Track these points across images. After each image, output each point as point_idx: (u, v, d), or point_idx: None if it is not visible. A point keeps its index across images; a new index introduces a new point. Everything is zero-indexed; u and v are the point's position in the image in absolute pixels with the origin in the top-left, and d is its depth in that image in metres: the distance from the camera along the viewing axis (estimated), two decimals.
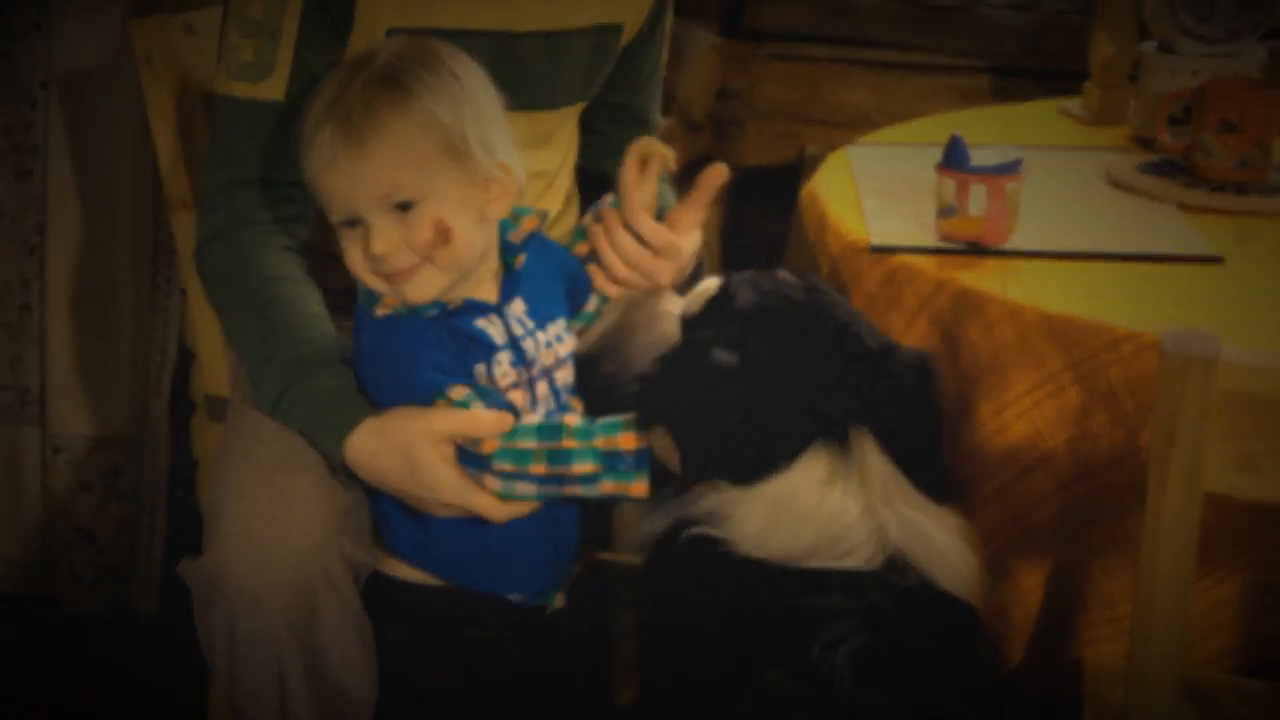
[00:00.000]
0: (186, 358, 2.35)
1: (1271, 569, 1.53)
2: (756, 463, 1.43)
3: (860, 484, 1.42)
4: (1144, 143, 2.11)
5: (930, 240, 1.74)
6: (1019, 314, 1.58)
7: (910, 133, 2.20)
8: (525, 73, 1.71)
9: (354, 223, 1.48)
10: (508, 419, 1.48)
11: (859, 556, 1.39)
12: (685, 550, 1.43)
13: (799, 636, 1.33)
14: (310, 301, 1.61)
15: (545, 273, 1.62)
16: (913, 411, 1.46)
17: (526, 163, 1.81)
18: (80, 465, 2.36)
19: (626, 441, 1.46)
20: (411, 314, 1.52)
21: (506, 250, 1.58)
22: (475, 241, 1.51)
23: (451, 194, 1.49)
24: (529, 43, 1.71)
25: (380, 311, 1.53)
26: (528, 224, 1.59)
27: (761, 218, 2.91)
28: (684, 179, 2.04)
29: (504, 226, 1.58)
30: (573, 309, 1.67)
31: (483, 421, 1.47)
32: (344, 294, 1.60)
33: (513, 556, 1.58)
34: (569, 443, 1.47)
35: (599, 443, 1.47)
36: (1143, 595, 1.08)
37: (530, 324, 1.57)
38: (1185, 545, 1.07)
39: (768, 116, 3.09)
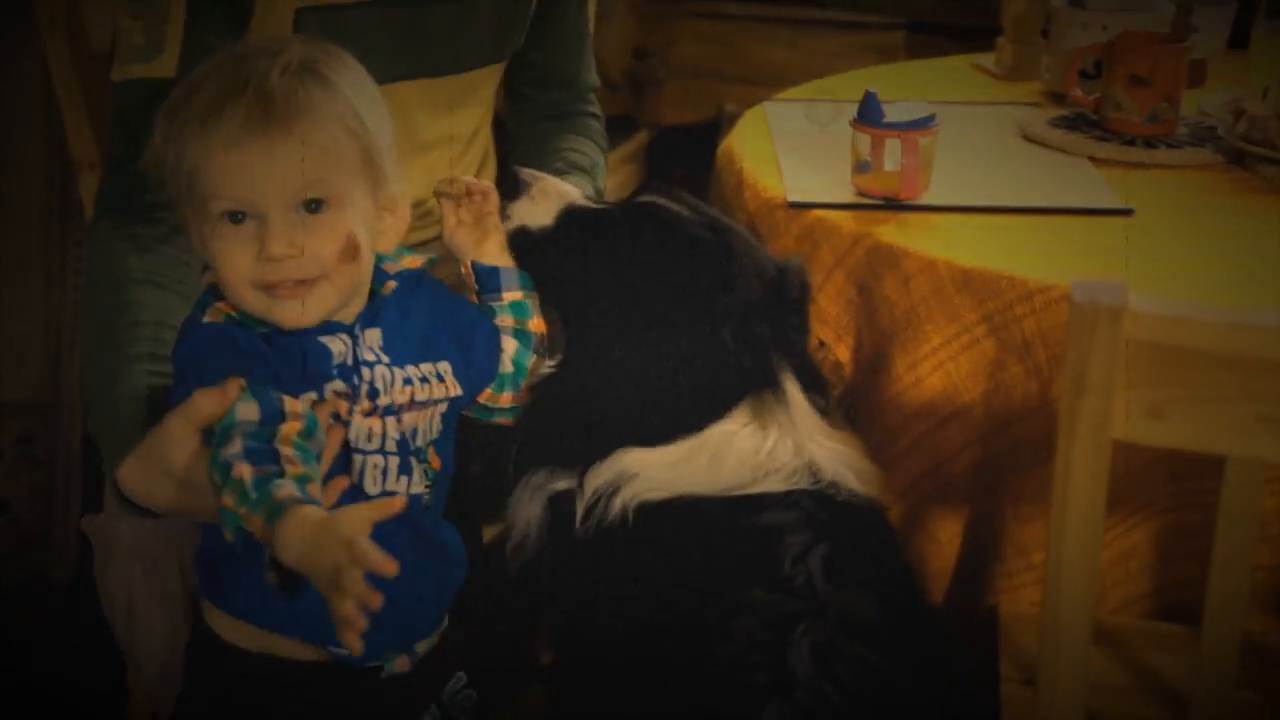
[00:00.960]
0: None
1: (1181, 515, 1.56)
2: (685, 421, 1.44)
3: (790, 425, 1.45)
4: (1056, 97, 2.12)
5: (846, 196, 1.75)
6: (933, 268, 1.59)
7: (826, 89, 2.20)
8: (430, 38, 1.70)
9: (242, 216, 1.30)
10: (231, 388, 1.28)
11: (783, 477, 1.41)
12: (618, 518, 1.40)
13: (764, 557, 1.34)
14: (164, 309, 1.52)
15: (421, 310, 1.43)
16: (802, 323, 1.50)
17: (438, 127, 1.80)
18: None
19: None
20: (240, 324, 1.33)
21: (376, 278, 1.41)
22: (370, 268, 1.38)
23: (362, 208, 1.34)
24: (433, 8, 1.70)
25: (208, 318, 1.34)
26: (407, 262, 1.44)
27: (680, 176, 2.91)
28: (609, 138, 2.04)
29: (380, 257, 1.42)
30: (475, 364, 1.48)
31: (201, 403, 1.29)
32: None
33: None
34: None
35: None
36: (1054, 543, 1.09)
37: (384, 356, 1.38)
38: (1095, 493, 1.08)
39: (685, 74, 3.09)
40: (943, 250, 1.61)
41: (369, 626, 1.15)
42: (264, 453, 1.23)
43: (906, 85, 2.14)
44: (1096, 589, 1.13)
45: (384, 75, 1.67)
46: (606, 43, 2.94)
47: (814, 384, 1.49)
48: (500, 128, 1.96)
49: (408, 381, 1.38)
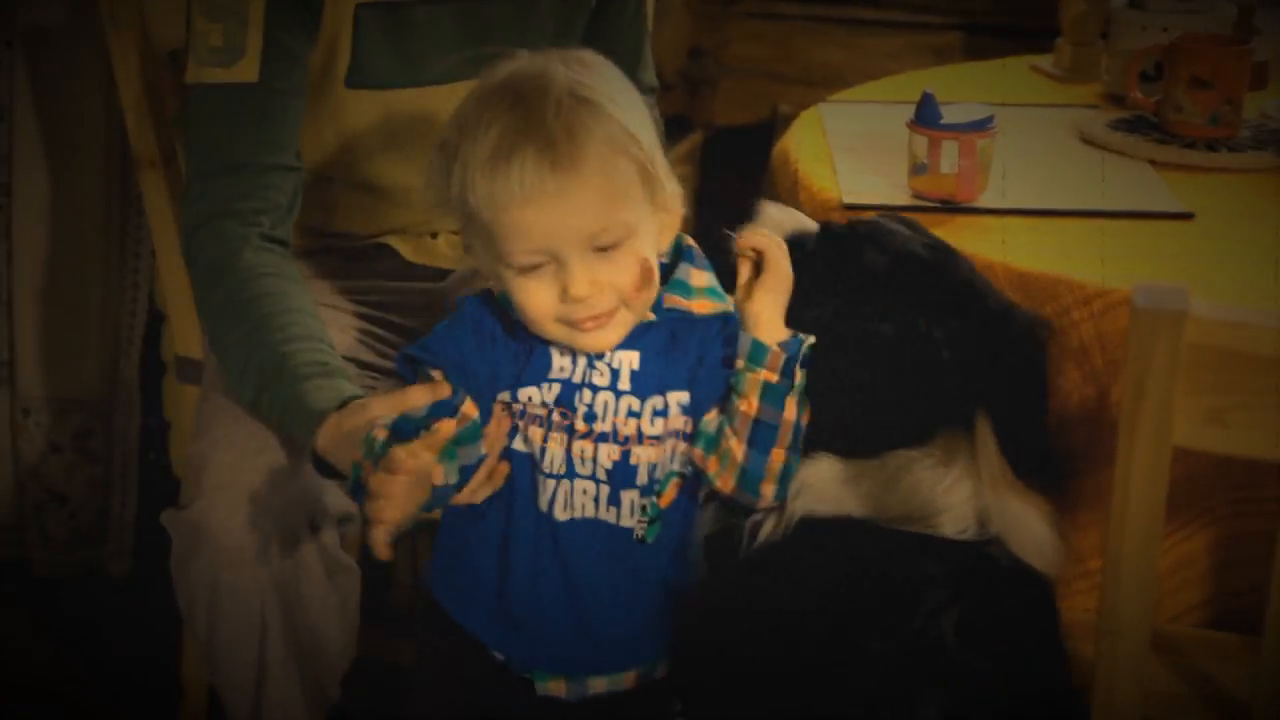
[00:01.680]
0: (157, 318, 2.34)
1: (1240, 522, 1.54)
2: (880, 438, 1.38)
3: (973, 468, 1.37)
4: (1115, 100, 2.11)
5: (902, 198, 1.74)
6: (990, 271, 1.58)
7: (882, 90, 2.19)
8: (493, 35, 1.70)
9: (538, 265, 1.31)
10: (443, 388, 1.37)
11: (952, 527, 1.35)
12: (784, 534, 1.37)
13: (898, 606, 1.30)
14: (291, 296, 1.57)
15: (689, 347, 1.39)
16: (1025, 383, 1.41)
17: None
18: (50, 428, 2.34)
19: None
20: (489, 306, 1.40)
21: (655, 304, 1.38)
22: (657, 280, 1.37)
23: (647, 227, 1.34)
24: (495, 6, 1.70)
25: (496, 291, 1.39)
26: (699, 306, 1.39)
27: (734, 177, 2.91)
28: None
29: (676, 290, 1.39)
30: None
31: (414, 395, 1.37)
32: None
33: (480, 591, 1.43)
34: None
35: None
36: (1112, 549, 1.09)
37: (624, 382, 1.37)
38: (1154, 499, 1.07)
39: (740, 75, 3.08)
40: (1000, 253, 1.60)
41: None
42: (410, 431, 1.31)
43: (964, 87, 2.12)
44: (1154, 596, 1.12)
45: (446, 75, 1.68)
46: (661, 42, 2.93)
47: (1031, 449, 1.40)
48: None
49: (634, 414, 1.37)
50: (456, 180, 1.31)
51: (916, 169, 1.74)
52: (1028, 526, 1.37)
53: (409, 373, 1.41)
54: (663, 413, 1.38)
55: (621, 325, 1.34)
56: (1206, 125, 1.91)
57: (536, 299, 1.32)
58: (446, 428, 1.32)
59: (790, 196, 1.85)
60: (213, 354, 1.63)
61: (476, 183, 1.29)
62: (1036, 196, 1.77)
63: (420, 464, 1.28)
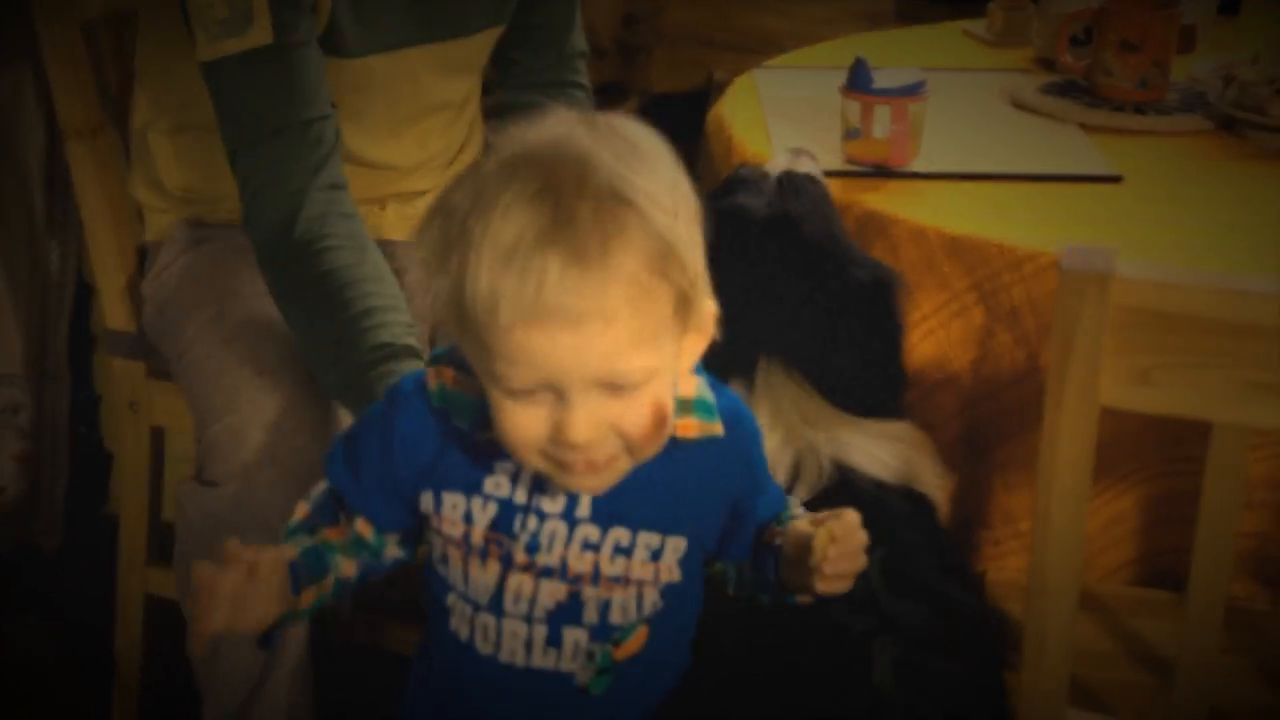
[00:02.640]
0: (86, 291, 2.31)
1: (1168, 482, 1.56)
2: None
3: (772, 412, 1.41)
4: (1046, 64, 2.12)
5: (835, 163, 1.74)
6: (923, 235, 1.59)
7: (816, 56, 2.19)
8: (441, 2, 1.69)
9: (533, 393, 1.05)
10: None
11: (807, 484, 1.36)
12: None
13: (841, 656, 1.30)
14: (355, 266, 1.55)
15: (673, 474, 1.15)
16: (875, 326, 1.45)
17: (440, 93, 1.79)
18: None
19: None
20: (444, 412, 1.15)
21: None
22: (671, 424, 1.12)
23: (671, 362, 1.08)
24: None
25: (430, 382, 1.16)
26: (681, 428, 1.14)
27: (670, 143, 2.90)
28: (594, 105, 2.03)
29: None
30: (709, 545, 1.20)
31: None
32: None
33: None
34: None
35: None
36: (1041, 508, 1.09)
37: (581, 510, 1.14)
38: (1082, 460, 1.08)
39: (675, 41, 3.07)
40: (932, 218, 1.61)
41: None
42: (327, 515, 1.21)
43: (896, 52, 2.13)
44: (1083, 555, 1.13)
45: (398, 41, 1.67)
46: (596, 9, 2.92)
47: (882, 385, 1.44)
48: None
49: (590, 547, 1.14)
50: (457, 262, 1.03)
51: (849, 134, 1.74)
52: (867, 450, 1.39)
53: (337, 481, 1.22)
54: (626, 550, 1.15)
55: (618, 471, 1.09)
56: (1135, 88, 1.93)
57: (524, 430, 1.06)
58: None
59: (724, 163, 1.85)
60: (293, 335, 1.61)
61: (481, 278, 1.02)
62: (968, 161, 1.78)
63: (259, 565, 1.13)
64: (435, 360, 1.17)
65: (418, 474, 1.16)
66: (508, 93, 1.91)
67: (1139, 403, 1.08)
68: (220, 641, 1.55)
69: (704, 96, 2.81)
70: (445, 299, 1.06)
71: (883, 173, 1.73)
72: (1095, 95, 1.95)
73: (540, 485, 1.14)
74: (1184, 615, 1.13)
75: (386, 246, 1.82)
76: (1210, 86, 1.96)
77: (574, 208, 1.01)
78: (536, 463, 1.08)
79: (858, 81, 1.72)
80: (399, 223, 1.84)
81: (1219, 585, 1.11)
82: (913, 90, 1.72)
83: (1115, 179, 1.74)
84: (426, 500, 1.16)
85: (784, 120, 1.89)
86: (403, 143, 1.79)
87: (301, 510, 1.22)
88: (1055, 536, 1.11)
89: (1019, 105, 1.97)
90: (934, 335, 1.60)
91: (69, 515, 2.35)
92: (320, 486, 1.22)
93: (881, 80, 1.71)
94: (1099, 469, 1.14)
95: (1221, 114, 1.89)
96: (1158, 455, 1.57)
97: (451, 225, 1.04)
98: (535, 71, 1.90)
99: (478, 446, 1.14)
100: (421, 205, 1.85)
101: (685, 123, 1.97)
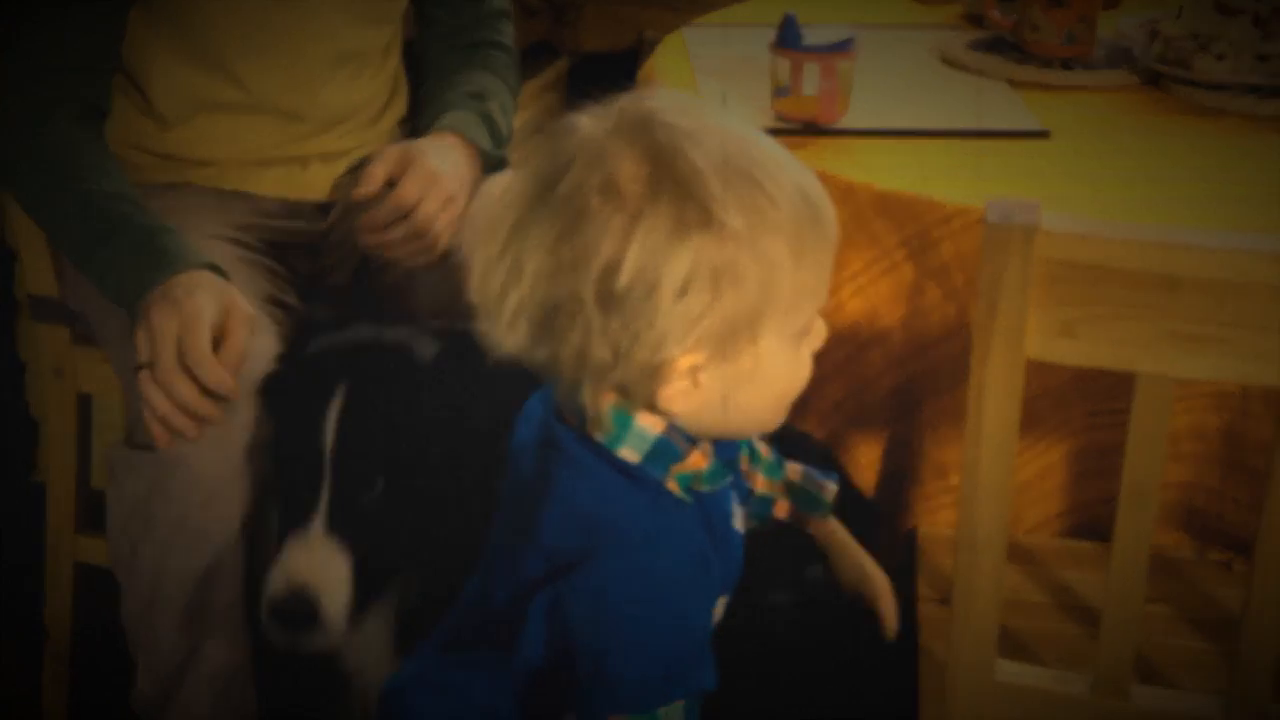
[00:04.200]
0: (7, 256, 2.28)
1: (1095, 435, 1.58)
2: None
3: None
4: (974, 20, 2.12)
5: (766, 120, 1.74)
6: (852, 192, 1.59)
7: (745, 14, 2.19)
8: None
9: (807, 330, 1.11)
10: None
11: None
12: None
13: None
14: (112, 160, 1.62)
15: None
16: None
17: (356, 39, 1.78)
18: None
19: None
20: (646, 478, 1.10)
21: None
22: None
23: None
24: None
25: (626, 453, 1.09)
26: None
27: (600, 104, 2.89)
28: (524, 65, 2.02)
29: None
30: None
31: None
32: None
33: None
34: None
35: None
36: (969, 462, 1.10)
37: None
38: (1009, 412, 1.09)
39: (605, 0, 3.05)
40: (861, 174, 1.61)
41: None
42: None
43: (826, 9, 2.12)
44: (1011, 507, 1.14)
45: None
46: None
47: None
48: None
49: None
50: (744, 223, 1.03)
51: (779, 92, 1.74)
52: None
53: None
54: None
55: None
56: (1062, 44, 1.93)
57: (804, 369, 1.10)
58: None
59: None
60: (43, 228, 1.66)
61: (783, 225, 1.04)
62: (897, 117, 1.78)
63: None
64: (659, 461, 1.10)
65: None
66: (429, 50, 1.90)
67: (1064, 355, 1.08)
68: (153, 605, 1.55)
69: (634, 56, 2.80)
70: (715, 269, 1.03)
71: (812, 130, 1.73)
72: (1023, 51, 1.96)
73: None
74: (1110, 565, 1.14)
75: (304, 208, 1.81)
76: (1135, 41, 1.97)
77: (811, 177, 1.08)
78: (779, 411, 1.12)
79: (787, 39, 1.72)
80: (322, 182, 1.82)
81: (1144, 535, 1.13)
82: (842, 47, 1.71)
83: (1043, 134, 1.75)
84: None
85: (713, 78, 1.89)
86: (318, 92, 1.77)
87: None
88: (983, 489, 1.12)
89: (948, 62, 1.98)
90: (864, 292, 1.61)
91: None
92: None
93: (811, 38, 1.71)
94: (1026, 423, 1.15)
95: (1147, 69, 1.91)
96: (1084, 408, 1.58)
97: (758, 194, 1.04)
98: (456, 31, 1.89)
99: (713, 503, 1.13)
100: (344, 165, 1.83)
101: (617, 83, 1.96)
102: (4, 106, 1.64)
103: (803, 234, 1.04)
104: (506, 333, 1.07)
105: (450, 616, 1.23)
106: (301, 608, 1.37)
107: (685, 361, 1.04)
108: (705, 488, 1.11)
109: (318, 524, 1.40)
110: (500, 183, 1.33)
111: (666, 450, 1.09)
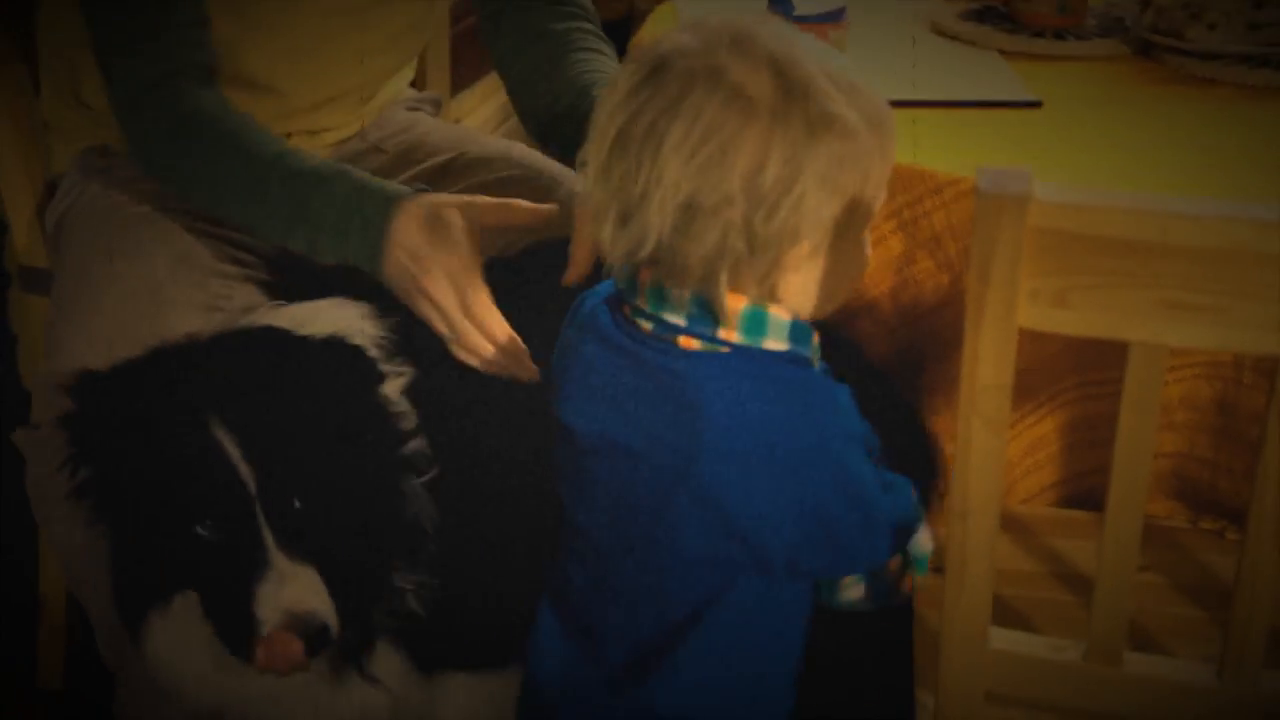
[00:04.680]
0: None
1: (1087, 405, 1.58)
2: None
3: None
4: None
5: None
6: None
7: None
8: None
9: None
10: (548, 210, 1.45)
11: None
12: None
13: None
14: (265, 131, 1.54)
15: None
16: None
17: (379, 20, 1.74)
18: None
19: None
20: (799, 358, 1.24)
21: None
22: None
23: None
24: None
25: (773, 344, 1.22)
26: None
27: None
28: None
29: None
30: None
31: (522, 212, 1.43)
32: None
33: None
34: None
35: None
36: (961, 431, 1.10)
37: None
38: (1002, 381, 1.09)
39: None
40: None
41: None
42: None
43: None
44: (1004, 476, 1.14)
45: None
46: None
47: None
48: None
49: None
50: (839, 125, 1.16)
51: None
52: None
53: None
54: None
55: None
56: (1055, 14, 1.93)
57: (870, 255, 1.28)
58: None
59: None
60: (217, 212, 1.57)
61: (871, 133, 1.18)
62: (889, 87, 1.75)
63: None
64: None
65: None
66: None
67: (1057, 324, 1.08)
68: (80, 582, 1.55)
69: (627, 25, 2.79)
70: (841, 163, 1.16)
71: None
72: (1015, 21, 1.95)
73: None
74: (1103, 534, 1.14)
75: None
76: (1127, 11, 1.97)
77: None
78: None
79: (779, 8, 1.71)
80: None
81: (1137, 504, 1.13)
82: (834, 17, 1.71)
83: (1035, 104, 1.75)
84: None
85: None
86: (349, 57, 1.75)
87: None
88: (976, 458, 1.12)
89: (939, 32, 1.97)
90: None
91: None
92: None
93: (802, 7, 1.71)
94: (1019, 394, 1.15)
95: (1138, 39, 1.90)
96: (1076, 379, 1.58)
97: (862, 98, 1.18)
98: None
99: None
100: (319, 143, 1.80)
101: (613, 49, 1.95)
102: (125, 92, 1.57)
103: (885, 128, 1.19)
104: (643, 234, 1.17)
105: (602, 656, 1.28)
106: (317, 636, 1.30)
107: (804, 250, 1.18)
108: (817, 363, 1.25)
109: (273, 550, 1.31)
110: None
111: (803, 332, 1.23)
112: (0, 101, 1.81)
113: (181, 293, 1.58)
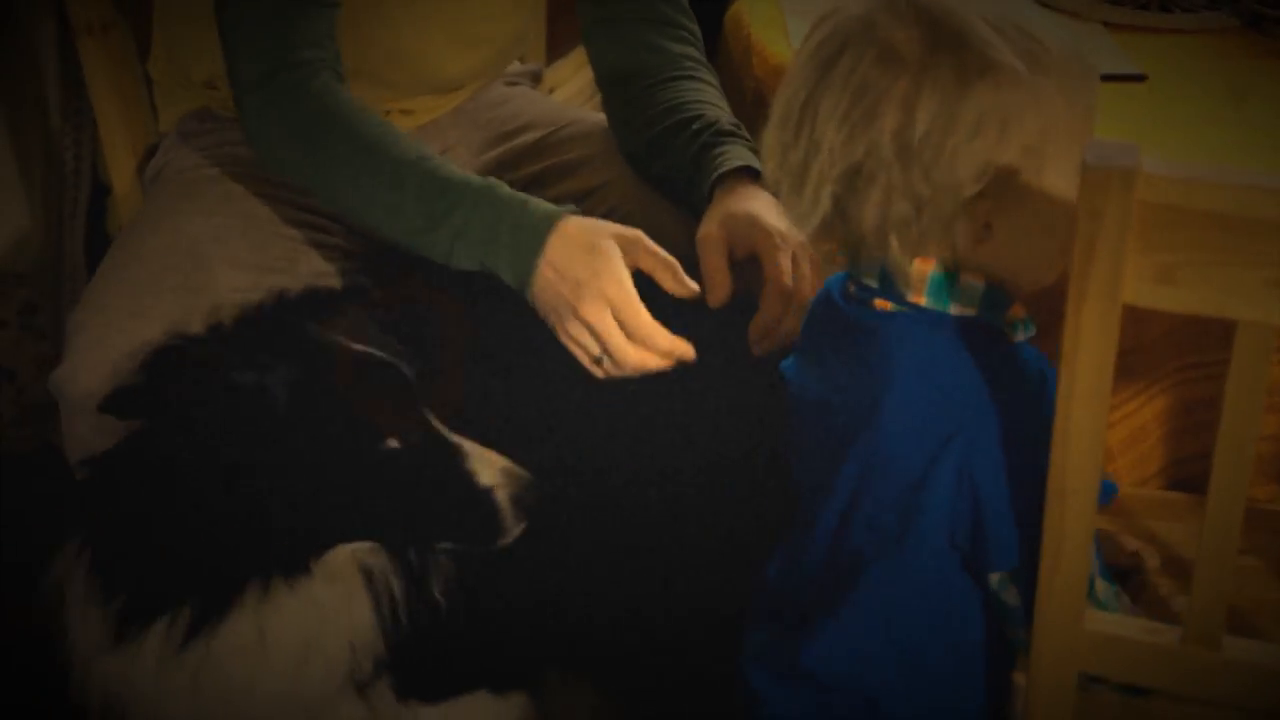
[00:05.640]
0: (101, 192, 2.30)
1: (1188, 389, 1.56)
2: None
3: None
4: None
5: None
6: None
7: None
8: None
9: None
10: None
11: None
12: None
13: None
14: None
15: None
16: None
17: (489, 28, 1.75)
18: None
19: None
20: (990, 327, 1.21)
21: None
22: None
23: None
24: None
25: (959, 308, 1.20)
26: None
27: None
28: None
29: None
30: None
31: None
32: None
33: None
34: None
35: None
36: (1061, 408, 1.09)
37: None
38: (1104, 357, 1.07)
39: None
40: None
41: None
42: None
43: None
44: (1103, 453, 1.12)
45: None
46: None
47: None
48: None
49: None
50: (1044, 87, 1.14)
51: None
52: None
53: None
54: None
55: None
56: None
57: None
58: None
59: (743, 61, 1.83)
60: (338, 206, 1.57)
61: (1045, 80, 1.14)
62: None
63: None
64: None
65: None
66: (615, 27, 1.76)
67: (1162, 301, 1.06)
68: None
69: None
70: (999, 112, 1.12)
71: None
72: None
73: None
74: (1204, 517, 1.13)
75: None
76: None
77: None
78: None
79: None
80: None
81: (1240, 487, 1.11)
82: None
83: (1140, 78, 1.72)
84: None
85: (803, 19, 1.86)
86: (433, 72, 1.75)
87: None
88: (1076, 436, 1.10)
89: (1043, 3, 1.93)
90: None
91: None
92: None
93: None
94: (1120, 379, 1.13)
95: (1248, 11, 1.86)
96: (1176, 364, 1.56)
97: (1029, 41, 1.14)
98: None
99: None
100: (412, 122, 1.80)
101: (706, 20, 1.94)
102: (249, 76, 1.55)
103: (1071, 76, 1.14)
104: (812, 206, 1.16)
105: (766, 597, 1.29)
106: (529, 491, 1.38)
107: (980, 207, 1.13)
108: (1021, 336, 1.19)
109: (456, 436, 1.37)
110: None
111: (997, 298, 1.18)
112: (104, 67, 1.84)
113: (226, 250, 1.59)
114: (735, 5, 1.96)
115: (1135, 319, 1.10)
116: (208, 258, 1.59)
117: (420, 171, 1.48)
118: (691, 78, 1.68)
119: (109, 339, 1.52)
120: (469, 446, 1.36)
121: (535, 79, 2.01)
